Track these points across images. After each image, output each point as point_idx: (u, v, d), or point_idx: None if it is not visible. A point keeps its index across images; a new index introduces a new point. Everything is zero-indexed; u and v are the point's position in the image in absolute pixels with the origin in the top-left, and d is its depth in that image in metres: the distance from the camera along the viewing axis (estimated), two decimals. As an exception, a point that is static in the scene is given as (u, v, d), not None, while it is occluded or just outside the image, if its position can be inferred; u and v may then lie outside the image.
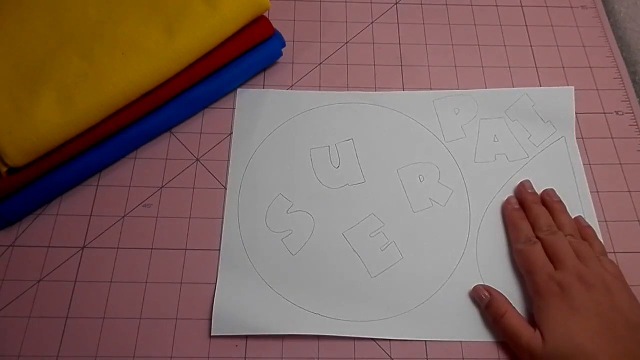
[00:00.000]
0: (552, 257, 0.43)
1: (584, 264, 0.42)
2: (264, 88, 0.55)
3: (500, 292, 0.44)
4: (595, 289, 0.41)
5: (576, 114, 0.54)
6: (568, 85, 0.56)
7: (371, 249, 0.47)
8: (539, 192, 0.49)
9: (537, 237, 0.45)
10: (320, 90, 0.55)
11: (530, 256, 0.44)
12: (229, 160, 0.51)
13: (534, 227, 0.46)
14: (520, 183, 0.49)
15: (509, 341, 0.42)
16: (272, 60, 0.55)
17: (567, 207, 0.48)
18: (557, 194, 0.49)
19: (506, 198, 0.49)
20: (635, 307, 0.41)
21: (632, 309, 0.41)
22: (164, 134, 0.52)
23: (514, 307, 0.43)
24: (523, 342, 0.41)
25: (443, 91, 0.55)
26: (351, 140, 0.52)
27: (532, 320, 0.43)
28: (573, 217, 0.48)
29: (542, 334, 0.40)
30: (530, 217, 0.47)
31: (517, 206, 0.48)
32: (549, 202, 0.48)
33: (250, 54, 0.52)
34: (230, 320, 0.44)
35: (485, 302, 0.44)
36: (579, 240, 0.45)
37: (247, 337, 0.44)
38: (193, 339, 0.43)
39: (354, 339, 0.44)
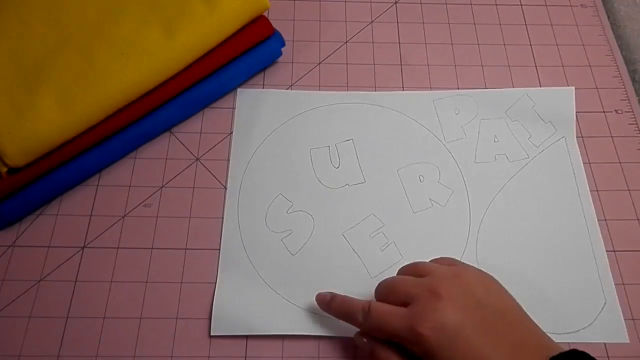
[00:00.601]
0: (396, 299, 0.39)
1: (425, 277, 0.39)
2: (263, 87, 0.55)
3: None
4: (453, 295, 0.37)
5: (576, 112, 0.54)
6: (567, 84, 0.56)
7: (371, 249, 0.47)
8: (539, 192, 0.49)
9: (375, 295, 0.41)
10: (319, 89, 0.55)
11: (376, 320, 0.38)
12: (228, 160, 0.51)
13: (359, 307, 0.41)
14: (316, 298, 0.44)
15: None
16: (271, 59, 0.55)
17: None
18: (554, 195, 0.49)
19: (315, 296, 0.43)
20: (490, 287, 0.39)
21: (490, 292, 0.39)
22: (164, 133, 0.52)
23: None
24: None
25: (443, 91, 0.55)
26: (351, 140, 0.52)
27: None
28: (569, 218, 0.47)
29: None
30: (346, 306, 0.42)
31: (328, 296, 0.43)
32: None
33: (249, 53, 0.52)
34: (230, 320, 0.44)
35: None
36: (401, 267, 0.43)
37: (247, 337, 0.44)
38: (193, 338, 0.43)
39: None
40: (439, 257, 0.43)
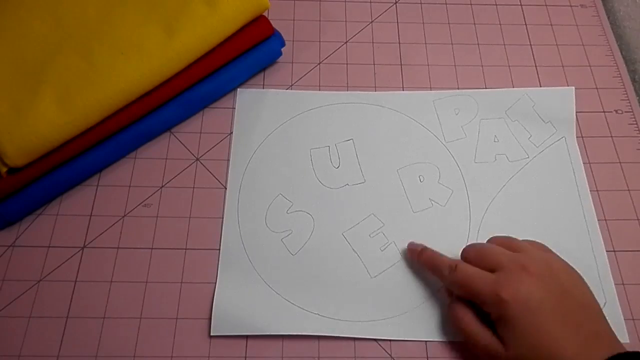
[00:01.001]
0: (485, 264, 0.41)
1: (519, 253, 0.41)
2: (263, 87, 0.55)
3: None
4: (542, 275, 0.39)
5: (576, 112, 0.54)
6: (567, 84, 0.56)
7: (371, 249, 0.47)
8: (539, 192, 0.49)
9: (463, 259, 0.43)
10: (319, 89, 0.55)
11: (462, 278, 0.41)
12: (228, 160, 0.51)
13: (453, 262, 0.43)
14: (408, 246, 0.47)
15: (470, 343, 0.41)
16: (271, 59, 0.55)
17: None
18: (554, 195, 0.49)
19: (407, 245, 0.47)
20: (577, 280, 0.41)
21: (576, 284, 0.40)
22: (164, 133, 0.52)
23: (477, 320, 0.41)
24: (480, 345, 0.40)
25: (443, 91, 0.55)
26: (351, 140, 0.52)
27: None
28: (569, 218, 0.47)
29: (507, 346, 0.38)
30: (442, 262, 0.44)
31: (420, 248, 0.45)
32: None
33: (249, 53, 0.52)
34: (230, 320, 0.44)
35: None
36: (494, 236, 0.44)
37: (247, 337, 0.44)
38: (193, 338, 0.43)
39: (354, 339, 0.44)
40: (530, 240, 0.44)
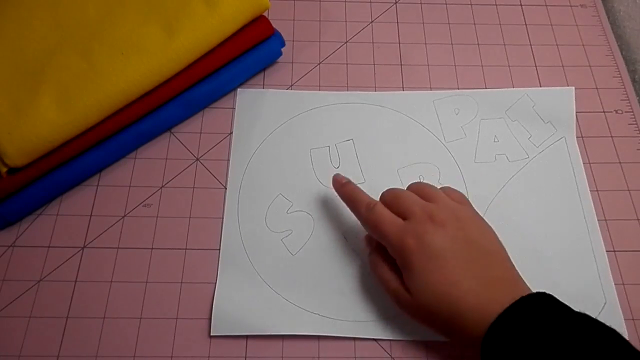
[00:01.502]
0: (399, 210, 0.41)
1: (430, 202, 0.42)
2: (263, 87, 0.55)
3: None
4: (448, 225, 0.40)
5: (576, 112, 0.54)
6: (567, 84, 0.56)
7: (371, 248, 0.47)
8: (539, 192, 0.49)
9: (379, 198, 0.44)
10: (319, 89, 0.55)
11: (375, 219, 0.42)
12: (228, 160, 0.51)
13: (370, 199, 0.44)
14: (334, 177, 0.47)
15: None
16: (271, 59, 0.55)
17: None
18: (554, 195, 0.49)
19: (332, 177, 0.47)
20: (485, 232, 0.42)
21: (483, 234, 0.41)
22: (164, 133, 0.52)
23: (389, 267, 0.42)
24: (400, 304, 0.41)
25: (443, 91, 0.55)
26: (351, 140, 0.52)
27: None
28: (569, 218, 0.47)
29: (411, 293, 0.39)
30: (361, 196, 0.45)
31: (344, 180, 0.46)
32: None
33: (249, 53, 0.52)
34: (230, 320, 0.44)
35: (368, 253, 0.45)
36: (418, 182, 0.45)
37: (247, 337, 0.44)
38: (193, 338, 0.43)
39: (354, 339, 0.44)
40: (450, 187, 0.45)
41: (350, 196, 0.45)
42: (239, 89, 0.54)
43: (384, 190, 0.44)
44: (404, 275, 0.40)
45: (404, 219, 0.41)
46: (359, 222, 0.48)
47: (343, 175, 0.47)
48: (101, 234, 0.47)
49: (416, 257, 0.39)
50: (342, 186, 0.46)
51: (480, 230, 0.41)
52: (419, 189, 0.43)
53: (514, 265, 0.40)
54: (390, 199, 0.43)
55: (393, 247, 0.40)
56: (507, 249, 0.41)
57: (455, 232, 0.40)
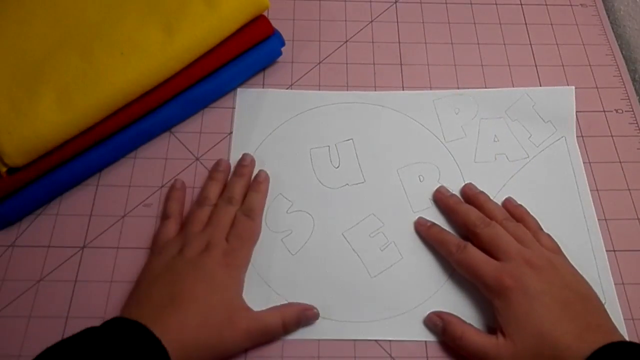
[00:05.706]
0: (494, 250, 0.43)
1: (525, 247, 0.42)
2: (263, 87, 0.55)
3: (453, 314, 0.44)
4: (544, 270, 0.41)
5: (576, 112, 0.54)
6: (567, 84, 0.56)
7: (371, 249, 0.47)
8: (539, 191, 0.49)
9: (474, 233, 0.44)
10: (319, 89, 0.55)
11: (469, 261, 0.43)
12: (228, 160, 0.51)
13: (466, 226, 0.46)
14: (437, 189, 0.49)
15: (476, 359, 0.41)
16: (271, 59, 0.55)
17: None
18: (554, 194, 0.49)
19: (416, 219, 0.48)
20: (579, 278, 0.42)
21: (578, 280, 0.42)
22: (164, 133, 0.52)
23: (470, 324, 0.43)
24: (491, 356, 0.40)
25: (443, 91, 0.55)
26: (351, 140, 0.52)
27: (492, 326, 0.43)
28: (569, 218, 0.47)
29: (507, 335, 0.39)
30: (459, 217, 0.47)
31: (429, 223, 0.47)
32: (472, 195, 0.48)
33: (249, 53, 0.52)
34: (230, 320, 0.44)
35: (440, 329, 0.43)
36: (513, 223, 0.45)
37: (247, 336, 0.44)
38: (193, 338, 0.43)
39: (354, 339, 0.44)
40: (544, 233, 0.45)
41: (438, 238, 0.46)
42: (238, 89, 0.54)
43: (473, 218, 0.45)
44: (499, 315, 0.41)
45: (497, 259, 0.42)
46: (359, 222, 0.48)
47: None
48: (101, 233, 0.47)
49: (515, 295, 0.40)
50: (429, 229, 0.47)
51: (576, 278, 0.42)
52: (515, 233, 0.44)
53: (608, 315, 0.41)
54: (486, 237, 0.44)
55: (489, 286, 0.41)
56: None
57: (552, 277, 0.41)
